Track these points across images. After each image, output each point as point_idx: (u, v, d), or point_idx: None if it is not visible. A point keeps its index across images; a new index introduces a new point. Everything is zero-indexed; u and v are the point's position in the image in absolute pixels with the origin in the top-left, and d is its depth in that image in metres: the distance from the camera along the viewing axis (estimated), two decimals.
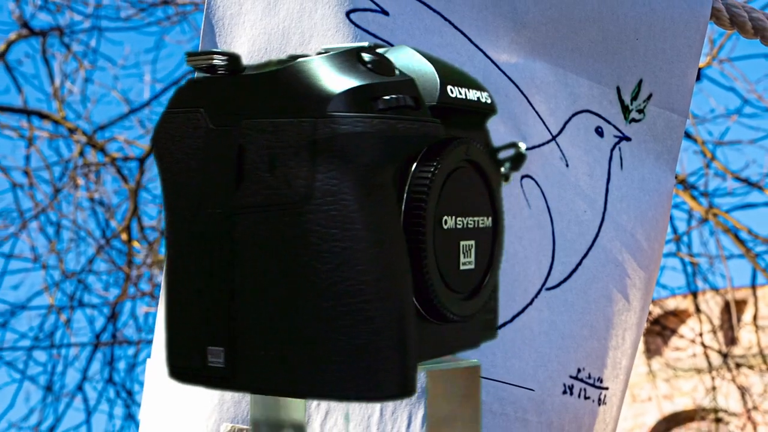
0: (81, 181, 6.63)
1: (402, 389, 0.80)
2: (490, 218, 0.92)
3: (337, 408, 1.26)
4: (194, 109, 0.82)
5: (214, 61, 0.83)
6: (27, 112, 6.63)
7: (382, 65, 0.83)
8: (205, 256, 0.81)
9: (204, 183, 0.81)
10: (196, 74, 0.85)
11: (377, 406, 1.27)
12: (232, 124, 0.81)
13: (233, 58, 0.83)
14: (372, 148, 0.79)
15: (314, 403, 1.26)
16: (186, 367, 0.85)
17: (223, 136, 0.81)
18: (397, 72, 0.84)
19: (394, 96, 0.80)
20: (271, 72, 0.82)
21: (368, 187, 0.79)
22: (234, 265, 0.80)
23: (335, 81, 0.80)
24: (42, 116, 6.62)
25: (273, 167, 0.79)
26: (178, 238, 0.82)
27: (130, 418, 6.64)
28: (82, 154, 6.59)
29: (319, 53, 0.82)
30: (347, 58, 0.81)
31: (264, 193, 0.79)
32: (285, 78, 0.81)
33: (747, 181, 6.27)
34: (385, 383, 0.79)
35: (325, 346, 0.79)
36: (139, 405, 1.56)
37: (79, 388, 6.59)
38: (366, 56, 0.82)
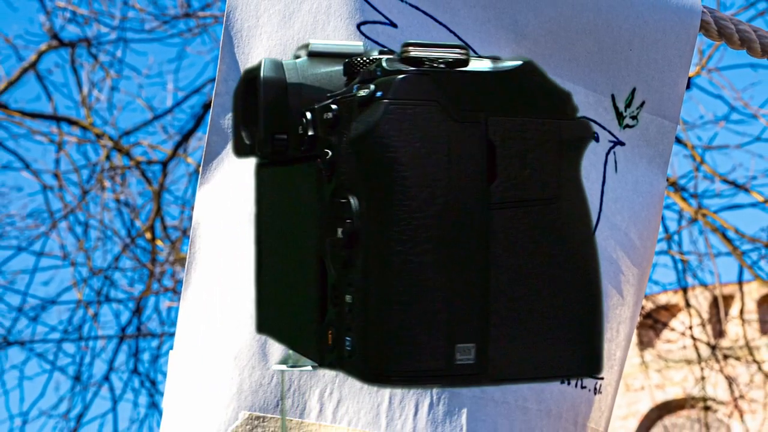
0: (107, 184, 6.64)
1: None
2: None
3: (348, 396, 1.26)
4: (427, 102, 0.76)
5: (454, 55, 0.78)
6: (57, 119, 6.64)
7: None
8: (455, 252, 0.75)
9: (451, 178, 0.75)
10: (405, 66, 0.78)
11: (386, 395, 1.27)
12: (476, 120, 0.77)
13: (467, 53, 0.79)
14: (586, 148, 0.80)
15: (327, 391, 1.26)
16: (419, 369, 0.76)
17: (468, 131, 0.76)
18: None
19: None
20: (507, 71, 0.77)
21: (581, 183, 0.80)
22: (488, 259, 0.76)
23: (556, 86, 0.80)
24: (71, 122, 6.63)
25: (525, 164, 0.77)
26: (410, 235, 0.74)
27: (154, 406, 6.64)
28: (108, 157, 6.60)
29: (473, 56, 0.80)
30: (536, 65, 0.81)
31: (519, 189, 0.77)
32: (521, 78, 0.78)
33: (734, 184, 6.26)
34: (601, 361, 0.81)
35: (574, 331, 0.78)
36: (162, 394, 1.55)
37: (106, 378, 6.59)
38: None
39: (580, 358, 0.80)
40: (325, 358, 0.83)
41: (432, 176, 0.75)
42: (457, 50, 0.78)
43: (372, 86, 0.77)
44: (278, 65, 0.88)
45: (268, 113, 0.87)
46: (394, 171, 0.75)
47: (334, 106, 0.81)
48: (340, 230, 0.79)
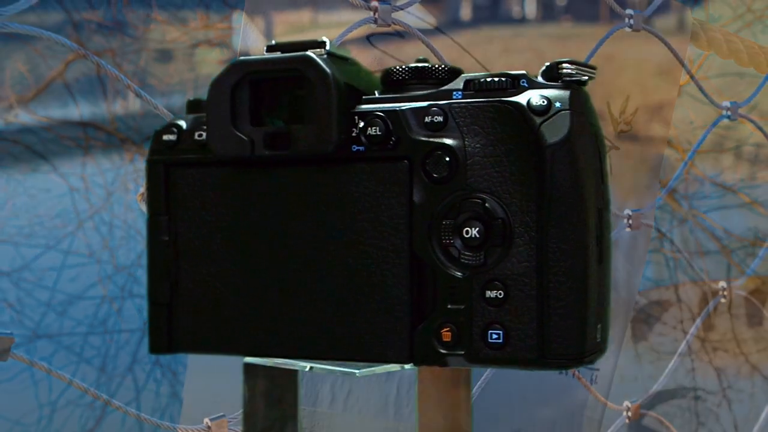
0: (131, 186, 6.66)
1: None
2: None
3: (358, 388, 1.27)
4: (584, 114, 0.81)
5: (588, 74, 0.82)
6: (83, 124, 6.67)
7: None
8: (599, 245, 0.81)
9: (597, 183, 0.81)
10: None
11: (395, 385, 1.27)
12: (594, 133, 0.83)
13: (596, 72, 0.84)
14: None
15: (339, 381, 1.26)
16: (584, 350, 0.82)
17: (594, 141, 0.82)
18: None
19: None
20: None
21: None
22: (604, 253, 0.82)
23: None
24: (96, 128, 6.66)
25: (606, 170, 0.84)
26: (581, 233, 0.80)
27: (175, 396, 6.67)
28: (132, 161, 6.62)
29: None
30: None
31: (607, 191, 0.83)
32: None
33: (723, 186, 6.27)
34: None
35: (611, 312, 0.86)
36: (182, 385, 1.56)
37: (129, 369, 6.62)
38: None
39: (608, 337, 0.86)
40: (429, 356, 0.83)
41: (591, 180, 0.81)
42: (590, 69, 0.82)
43: (547, 97, 0.80)
44: (325, 62, 0.86)
45: (341, 112, 0.84)
46: (576, 175, 0.80)
47: (435, 109, 0.81)
48: (474, 230, 0.80)
